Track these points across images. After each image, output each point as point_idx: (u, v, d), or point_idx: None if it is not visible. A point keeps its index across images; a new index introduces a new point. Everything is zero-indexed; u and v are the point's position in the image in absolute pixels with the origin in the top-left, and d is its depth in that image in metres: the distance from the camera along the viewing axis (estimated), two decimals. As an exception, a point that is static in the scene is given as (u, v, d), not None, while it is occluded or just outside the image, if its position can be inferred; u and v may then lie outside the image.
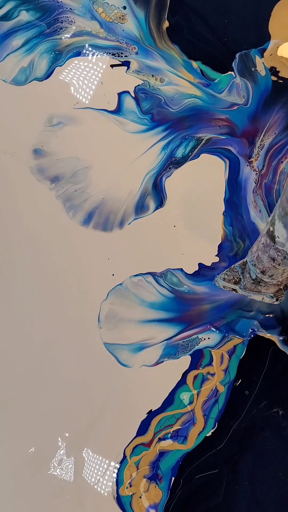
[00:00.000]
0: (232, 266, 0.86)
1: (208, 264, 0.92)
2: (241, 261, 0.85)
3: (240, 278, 0.85)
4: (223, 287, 0.87)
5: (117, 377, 0.89)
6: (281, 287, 0.83)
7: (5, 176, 0.92)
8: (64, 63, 0.93)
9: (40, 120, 0.92)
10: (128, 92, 0.93)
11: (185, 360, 0.90)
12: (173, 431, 0.88)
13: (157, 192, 0.92)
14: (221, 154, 0.93)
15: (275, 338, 0.90)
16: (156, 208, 0.92)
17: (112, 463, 0.88)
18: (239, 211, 0.92)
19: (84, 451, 0.88)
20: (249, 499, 0.86)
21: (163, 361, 0.89)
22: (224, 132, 0.93)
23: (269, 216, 0.92)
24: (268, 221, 0.74)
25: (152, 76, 0.93)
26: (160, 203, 0.92)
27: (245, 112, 0.93)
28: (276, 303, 0.85)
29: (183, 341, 0.90)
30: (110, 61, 0.93)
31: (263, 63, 0.93)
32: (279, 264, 0.74)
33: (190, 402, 0.89)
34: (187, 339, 0.90)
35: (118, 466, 0.88)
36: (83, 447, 0.89)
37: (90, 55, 0.93)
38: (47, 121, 0.92)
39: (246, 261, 0.83)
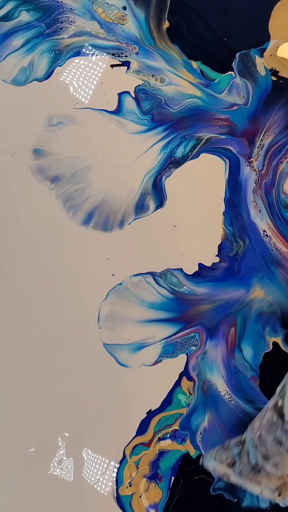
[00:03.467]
0: (227, 443, 0.68)
1: (208, 264, 0.92)
2: (238, 437, 0.67)
3: (235, 461, 0.66)
4: (213, 469, 0.68)
5: (117, 376, 0.90)
6: (287, 481, 0.64)
7: (5, 176, 0.92)
8: (64, 63, 0.93)
9: (40, 120, 0.92)
10: (128, 92, 0.93)
11: (183, 359, 0.90)
12: (171, 431, 0.88)
13: (157, 192, 0.92)
14: (221, 154, 0.93)
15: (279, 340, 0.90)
16: (156, 208, 0.92)
17: (112, 463, 0.88)
18: (239, 211, 0.92)
19: (84, 451, 0.88)
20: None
21: (161, 360, 0.89)
22: (224, 132, 0.93)
23: (269, 217, 0.92)
24: (276, 392, 0.62)
25: (153, 76, 0.93)
26: (160, 203, 0.92)
27: (245, 112, 0.93)
28: (278, 500, 0.66)
29: (181, 339, 0.90)
30: (110, 61, 0.93)
31: (263, 63, 0.93)
32: (287, 451, 0.60)
33: (187, 403, 0.89)
34: (185, 337, 0.90)
35: (118, 466, 0.88)
36: (83, 447, 0.89)
37: (90, 55, 0.93)
38: (47, 121, 0.92)
39: (244, 439, 0.66)
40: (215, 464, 0.69)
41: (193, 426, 0.88)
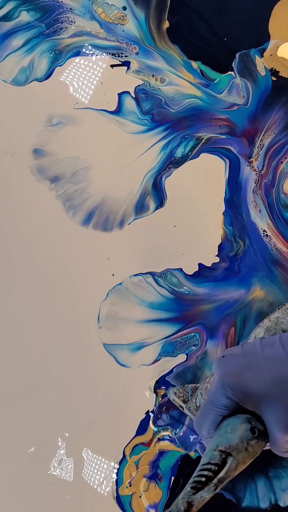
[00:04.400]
0: (186, 385, 0.85)
1: (208, 264, 0.92)
2: (195, 384, 0.84)
3: (188, 399, 0.83)
4: (173, 400, 0.85)
5: (116, 376, 0.90)
6: None
7: (4, 176, 0.92)
8: (64, 63, 0.93)
9: (40, 120, 0.92)
10: (128, 92, 0.93)
11: (182, 359, 0.90)
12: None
13: (157, 192, 0.92)
14: (221, 153, 0.93)
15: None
16: (156, 208, 0.92)
17: (112, 463, 0.88)
18: (239, 211, 0.92)
19: (83, 451, 0.88)
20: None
21: (160, 359, 0.90)
22: (224, 131, 0.93)
23: (269, 217, 0.92)
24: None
25: (153, 76, 0.93)
26: (160, 203, 0.92)
27: (245, 112, 0.93)
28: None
29: (181, 339, 0.90)
30: (110, 61, 0.93)
31: (263, 63, 0.93)
32: None
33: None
34: (185, 337, 0.90)
35: (118, 466, 0.88)
36: (83, 447, 0.89)
37: (90, 55, 0.93)
38: (47, 121, 0.92)
39: (198, 386, 0.82)
40: (174, 397, 0.84)
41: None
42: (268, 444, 0.60)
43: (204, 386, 0.79)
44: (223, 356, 0.62)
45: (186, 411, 0.83)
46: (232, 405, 0.59)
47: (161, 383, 0.89)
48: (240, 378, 0.59)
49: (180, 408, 0.85)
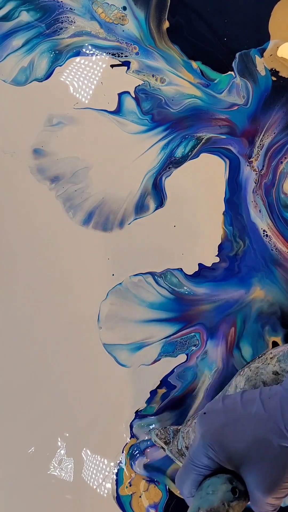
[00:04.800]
0: (168, 427, 0.85)
1: (208, 264, 0.92)
2: (177, 427, 0.84)
3: (170, 441, 0.83)
4: (154, 441, 0.85)
5: (117, 376, 0.90)
6: None
7: (5, 176, 0.92)
8: (64, 63, 0.93)
9: (40, 120, 0.92)
10: (128, 92, 0.93)
11: (182, 359, 0.90)
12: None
13: (157, 192, 0.92)
14: (221, 153, 0.93)
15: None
16: (156, 208, 0.92)
17: (112, 463, 0.88)
18: (239, 211, 0.92)
19: (83, 451, 0.88)
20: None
21: (160, 359, 0.90)
22: (224, 131, 0.93)
23: (269, 217, 0.92)
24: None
25: (153, 76, 0.93)
26: (160, 203, 0.92)
27: (245, 112, 0.93)
28: None
29: (181, 339, 0.90)
30: (110, 61, 0.93)
31: (263, 63, 0.93)
32: None
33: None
34: (185, 337, 0.90)
35: (118, 466, 0.88)
36: (83, 447, 0.89)
37: (90, 55, 0.93)
38: (47, 121, 0.92)
39: (179, 429, 0.82)
40: (156, 438, 0.84)
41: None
42: (248, 502, 0.60)
43: (185, 430, 0.78)
44: (205, 413, 0.61)
45: (167, 452, 0.83)
46: (213, 464, 0.58)
47: (163, 383, 0.90)
48: (221, 436, 0.57)
49: (162, 449, 0.85)
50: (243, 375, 0.70)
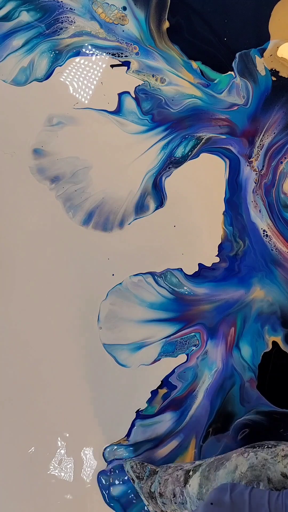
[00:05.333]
0: (146, 463, 0.85)
1: (208, 264, 0.92)
2: (155, 467, 0.84)
3: (143, 477, 0.83)
4: (127, 471, 0.86)
5: (117, 376, 0.89)
6: None
7: (5, 176, 0.92)
8: (64, 63, 0.93)
9: (40, 120, 0.92)
10: (128, 92, 0.93)
11: (182, 359, 0.90)
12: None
13: (157, 192, 0.92)
14: (221, 153, 0.93)
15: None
16: (156, 208, 0.92)
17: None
18: (239, 211, 0.92)
19: (83, 451, 0.88)
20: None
21: (160, 359, 0.89)
22: (224, 131, 0.93)
23: (269, 217, 0.92)
24: (196, 462, 0.75)
25: (153, 76, 0.93)
26: (160, 203, 0.92)
27: (245, 112, 0.93)
28: None
29: (181, 339, 0.90)
30: (110, 61, 0.93)
31: (263, 63, 0.93)
32: (175, 503, 0.74)
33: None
34: (185, 337, 0.90)
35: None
36: (83, 447, 0.89)
37: (90, 55, 0.93)
38: (47, 121, 0.92)
39: (157, 471, 0.82)
40: (129, 469, 0.84)
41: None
42: None
43: (164, 476, 0.78)
44: (211, 503, 0.60)
45: (136, 486, 0.83)
46: None
47: (164, 383, 0.90)
48: None
49: (131, 481, 0.85)
50: (246, 459, 0.67)
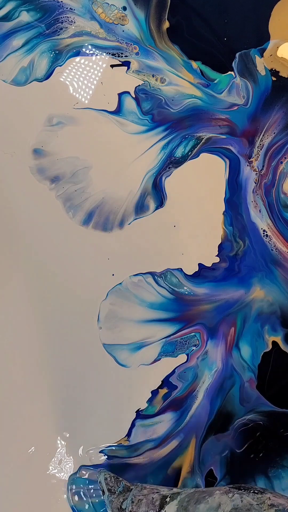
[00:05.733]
0: (121, 478, 0.83)
1: (208, 264, 0.92)
2: (130, 484, 0.82)
3: (114, 492, 0.81)
4: (99, 482, 0.84)
5: (117, 376, 0.90)
6: None
7: (5, 176, 0.92)
8: (64, 63, 0.93)
9: (40, 120, 0.92)
10: (128, 92, 0.93)
11: (182, 359, 0.90)
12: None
13: (157, 192, 0.92)
14: (221, 153, 0.93)
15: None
16: (156, 208, 0.92)
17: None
18: (239, 211, 0.92)
19: (83, 451, 0.88)
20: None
21: (160, 359, 0.90)
22: (224, 131, 0.93)
23: (269, 217, 0.92)
24: (172, 489, 0.74)
25: (153, 76, 0.93)
26: (160, 203, 0.92)
27: (245, 112, 0.93)
28: None
29: (181, 339, 0.90)
30: (110, 61, 0.93)
31: (263, 63, 0.93)
32: None
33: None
34: (185, 337, 0.90)
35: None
36: (83, 447, 0.89)
37: (90, 55, 0.93)
38: (47, 121, 0.92)
39: (131, 489, 0.80)
40: (103, 480, 0.83)
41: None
42: None
43: (139, 496, 0.77)
44: None
45: (105, 498, 0.82)
46: None
47: (165, 384, 0.90)
48: None
49: (101, 492, 0.84)
50: (231, 499, 0.66)
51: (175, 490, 0.74)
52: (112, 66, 0.93)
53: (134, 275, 0.91)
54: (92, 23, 0.93)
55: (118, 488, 0.81)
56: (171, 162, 0.92)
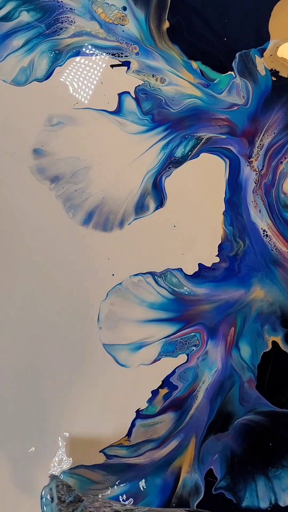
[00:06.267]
0: (73, 488, 0.80)
1: (208, 264, 0.92)
2: (81, 495, 0.80)
3: (64, 501, 0.78)
4: (50, 488, 0.80)
5: (117, 376, 0.90)
6: None
7: (5, 176, 0.92)
8: (64, 63, 0.93)
9: (40, 120, 0.92)
10: (128, 92, 0.93)
11: (182, 359, 0.90)
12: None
13: (157, 192, 0.92)
14: (221, 153, 0.93)
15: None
16: (156, 208, 0.92)
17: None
18: (239, 211, 0.92)
19: (83, 451, 0.88)
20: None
21: (160, 359, 0.90)
22: (224, 131, 0.93)
23: (268, 217, 0.92)
24: (124, 505, 0.74)
25: (153, 76, 0.93)
26: (160, 203, 0.92)
27: (245, 112, 0.93)
28: None
29: (181, 339, 0.90)
30: (110, 61, 0.93)
31: (263, 63, 0.93)
32: None
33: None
34: (185, 337, 0.90)
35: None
36: (83, 447, 0.89)
37: (90, 55, 0.93)
38: (47, 121, 0.92)
39: (82, 500, 0.79)
40: (54, 487, 0.79)
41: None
42: None
43: (90, 509, 0.76)
44: None
45: (54, 506, 0.79)
46: None
47: (165, 384, 0.90)
48: None
49: (50, 499, 0.80)
50: None
51: (128, 506, 0.74)
52: (112, 66, 0.93)
53: (134, 275, 0.91)
54: (92, 23, 0.93)
55: (69, 497, 0.78)
56: (171, 162, 0.92)
